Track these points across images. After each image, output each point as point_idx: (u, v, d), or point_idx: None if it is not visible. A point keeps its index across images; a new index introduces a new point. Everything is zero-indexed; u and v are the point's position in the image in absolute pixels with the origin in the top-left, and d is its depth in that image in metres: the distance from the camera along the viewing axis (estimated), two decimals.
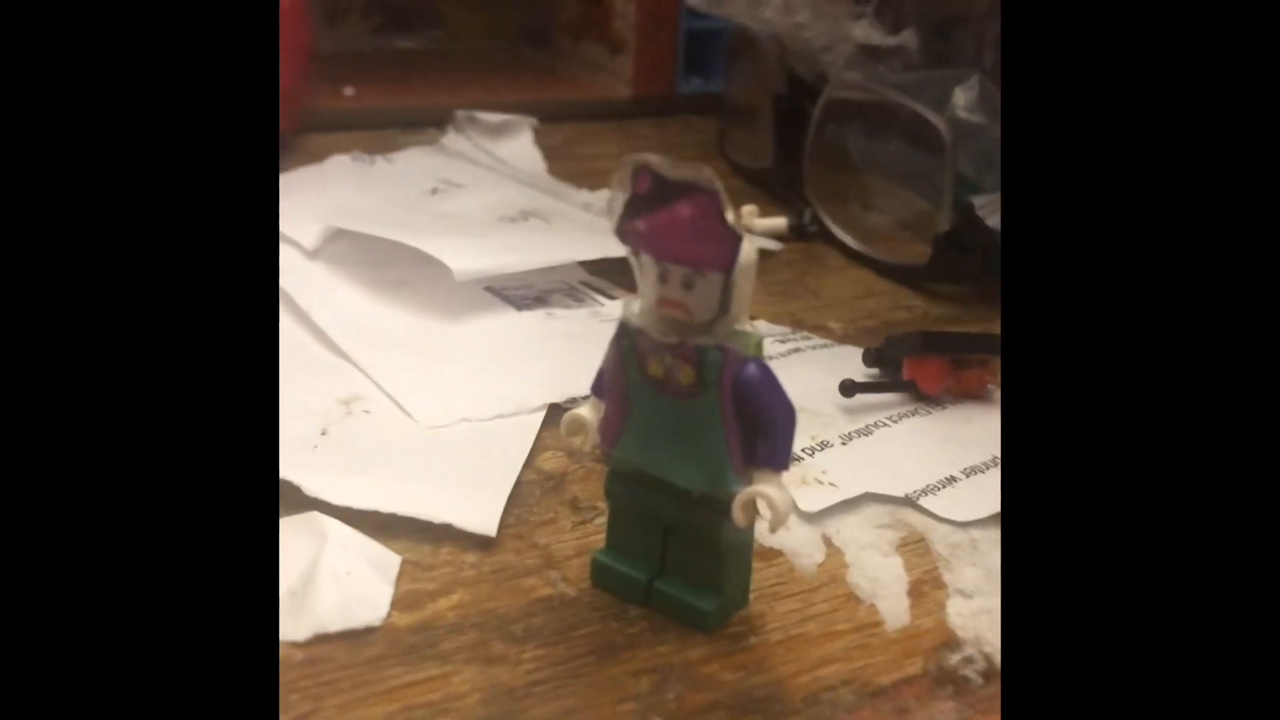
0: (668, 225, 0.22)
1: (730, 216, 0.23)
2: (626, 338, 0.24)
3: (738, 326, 0.24)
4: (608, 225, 0.23)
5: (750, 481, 0.24)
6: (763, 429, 0.24)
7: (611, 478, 0.26)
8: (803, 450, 0.36)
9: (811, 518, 0.33)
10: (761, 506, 0.24)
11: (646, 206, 0.22)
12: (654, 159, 0.22)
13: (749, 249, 0.23)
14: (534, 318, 0.44)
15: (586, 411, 0.26)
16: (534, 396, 0.38)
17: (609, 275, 0.47)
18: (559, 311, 0.44)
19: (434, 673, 0.23)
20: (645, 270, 0.24)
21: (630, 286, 0.26)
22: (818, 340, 0.45)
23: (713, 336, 0.24)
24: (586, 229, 0.51)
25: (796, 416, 0.24)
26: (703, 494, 0.24)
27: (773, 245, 0.54)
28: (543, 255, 0.46)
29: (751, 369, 0.24)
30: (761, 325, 0.47)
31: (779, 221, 0.57)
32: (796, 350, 0.44)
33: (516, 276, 0.45)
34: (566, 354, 0.41)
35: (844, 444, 0.37)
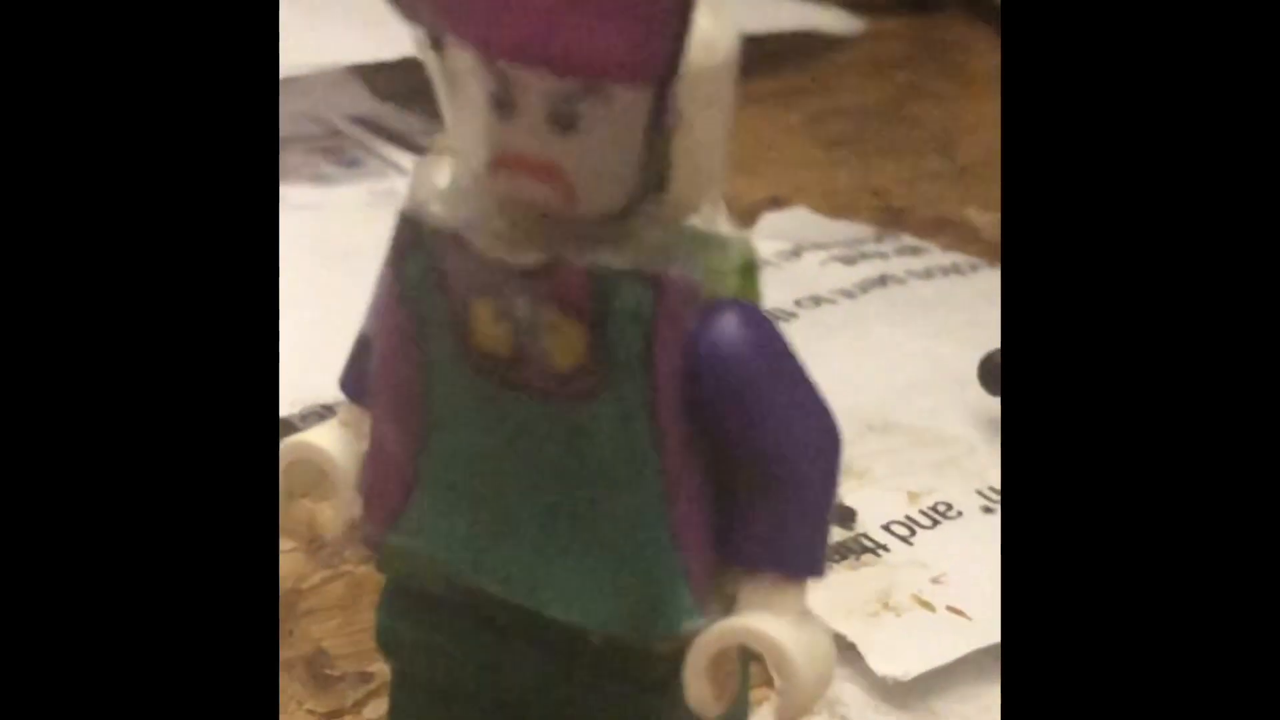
0: None
1: None
2: (421, 256, 0.24)
3: (692, 224, 0.23)
4: None
5: (727, 609, 0.24)
6: (759, 476, 0.23)
7: (394, 604, 0.26)
8: (886, 527, 0.34)
9: (904, 692, 0.31)
10: (769, 665, 0.23)
11: None
12: None
13: (714, 24, 0.22)
14: None
15: (328, 439, 0.26)
16: None
17: (420, 102, 0.45)
18: (300, 193, 0.42)
19: None
20: (463, 86, 0.23)
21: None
22: (937, 256, 0.44)
23: (630, 249, 0.23)
24: None
25: (841, 443, 0.24)
26: (611, 640, 0.24)
27: (836, 22, 0.53)
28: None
29: (728, 328, 0.23)
30: (792, 220, 0.45)
31: None
32: (884, 280, 0.43)
33: None
34: (311, 295, 0.39)
35: (988, 512, 0.35)
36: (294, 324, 0.38)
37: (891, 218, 0.46)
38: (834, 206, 0.46)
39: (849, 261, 0.43)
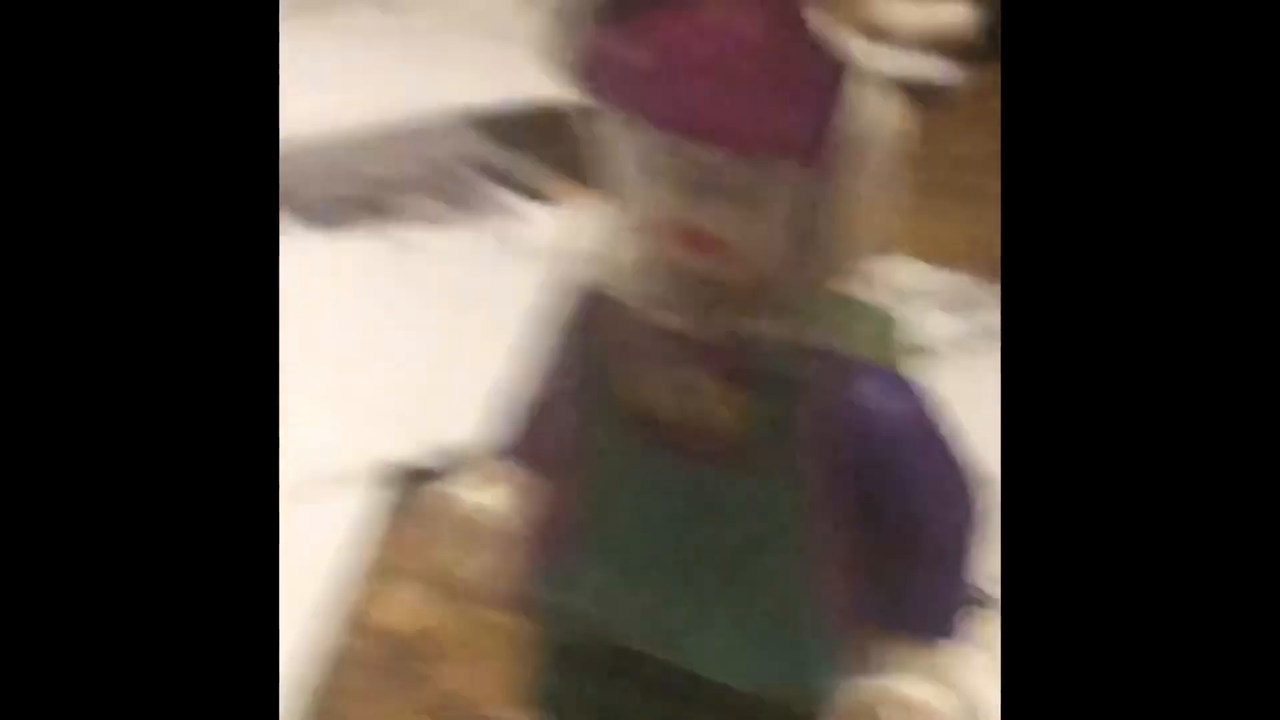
0: (688, 49, 0.22)
1: (818, 20, 0.22)
2: (592, 324, 0.24)
3: (841, 290, 0.24)
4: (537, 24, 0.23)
5: (870, 669, 0.24)
6: (902, 541, 0.23)
7: (549, 658, 0.26)
8: None
9: None
10: None
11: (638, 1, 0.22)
12: None
13: (879, 103, 0.22)
14: (364, 250, 0.43)
15: (487, 494, 0.26)
16: (359, 449, 0.37)
17: (534, 144, 0.45)
18: (415, 236, 0.43)
19: None
20: (618, 151, 0.23)
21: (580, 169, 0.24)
22: None
23: (784, 316, 0.23)
24: (490, 33, 0.50)
25: (981, 509, 0.24)
26: (757, 700, 0.24)
27: (937, 72, 0.53)
28: (386, 98, 0.45)
29: (877, 396, 0.23)
30: (905, 277, 0.45)
31: (952, 12, 0.56)
32: (991, 330, 0.43)
33: (326, 148, 0.45)
34: (425, 338, 0.40)
35: None
36: (411, 366, 0.39)
37: (995, 268, 0.46)
38: (938, 255, 0.46)
39: (952, 312, 0.43)
